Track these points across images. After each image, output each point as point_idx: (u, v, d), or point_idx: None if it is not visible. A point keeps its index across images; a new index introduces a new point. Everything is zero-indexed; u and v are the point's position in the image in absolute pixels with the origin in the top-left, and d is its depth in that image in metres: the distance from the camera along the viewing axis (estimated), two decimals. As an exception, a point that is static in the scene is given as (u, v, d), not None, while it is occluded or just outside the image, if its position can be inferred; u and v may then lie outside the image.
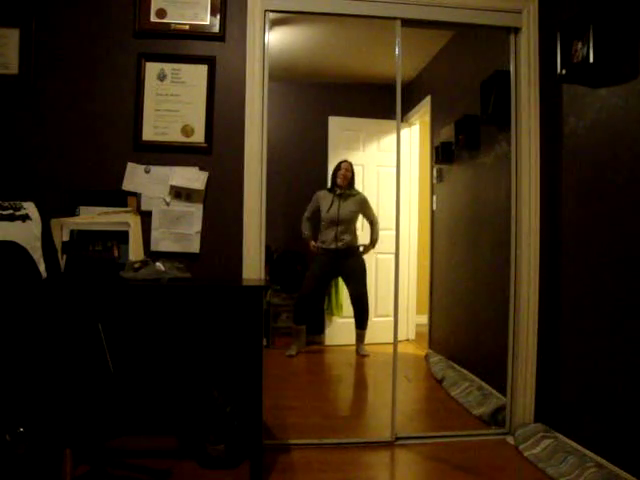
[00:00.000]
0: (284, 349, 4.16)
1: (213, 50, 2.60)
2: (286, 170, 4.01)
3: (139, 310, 2.48)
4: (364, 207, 4.17)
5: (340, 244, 4.08)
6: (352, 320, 4.14)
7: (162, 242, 2.57)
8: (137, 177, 2.56)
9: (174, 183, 2.56)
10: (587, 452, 2.29)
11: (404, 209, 4.20)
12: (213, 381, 2.49)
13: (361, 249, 4.17)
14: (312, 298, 4.26)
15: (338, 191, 4.09)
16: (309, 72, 4.35)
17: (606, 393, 2.23)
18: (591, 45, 2.22)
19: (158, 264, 2.28)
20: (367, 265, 4.19)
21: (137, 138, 2.56)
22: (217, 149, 2.60)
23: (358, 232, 4.22)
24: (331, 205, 4.09)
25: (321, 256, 4.12)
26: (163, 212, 2.57)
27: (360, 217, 4.19)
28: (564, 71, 2.43)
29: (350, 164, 4.17)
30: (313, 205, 4.16)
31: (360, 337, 4.14)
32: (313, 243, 4.15)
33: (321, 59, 4.12)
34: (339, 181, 4.09)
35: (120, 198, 2.54)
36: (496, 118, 2.97)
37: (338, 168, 4.13)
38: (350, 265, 4.15)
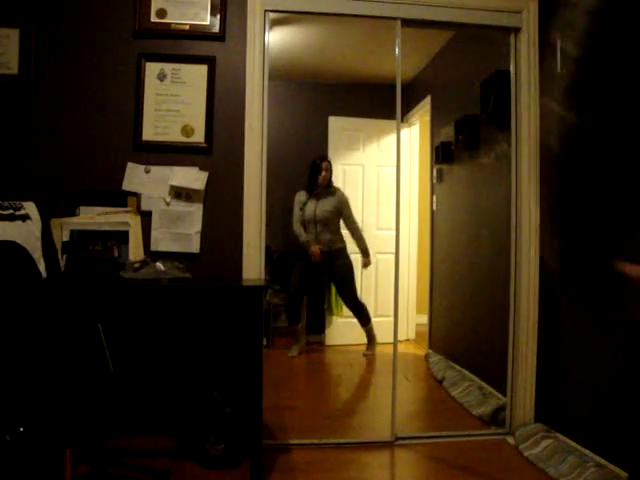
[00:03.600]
0: (284, 349, 4.17)
1: (213, 50, 2.60)
2: (286, 170, 4.00)
3: (139, 310, 2.48)
4: (342, 206, 4.10)
5: (321, 245, 4.04)
6: (352, 320, 4.15)
7: (162, 242, 2.57)
8: (137, 177, 2.56)
9: (174, 183, 2.56)
10: (587, 452, 2.29)
11: (404, 209, 4.19)
12: (213, 381, 2.49)
13: (350, 256, 4.12)
14: (299, 297, 4.24)
15: (315, 190, 4.06)
16: (309, 72, 4.36)
17: (606, 393, 2.23)
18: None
19: (158, 264, 2.28)
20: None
21: (137, 138, 2.56)
22: (217, 149, 2.60)
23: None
24: (306, 204, 4.05)
25: (304, 256, 4.07)
26: (163, 212, 2.57)
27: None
28: (564, 71, 2.43)
29: (329, 163, 4.11)
30: (297, 207, 4.09)
31: (368, 333, 4.12)
32: (315, 246, 4.05)
33: (321, 59, 4.12)
34: (320, 182, 4.05)
35: (120, 198, 2.54)
36: (496, 118, 2.97)
37: (319, 168, 4.05)
38: (336, 269, 4.11)
